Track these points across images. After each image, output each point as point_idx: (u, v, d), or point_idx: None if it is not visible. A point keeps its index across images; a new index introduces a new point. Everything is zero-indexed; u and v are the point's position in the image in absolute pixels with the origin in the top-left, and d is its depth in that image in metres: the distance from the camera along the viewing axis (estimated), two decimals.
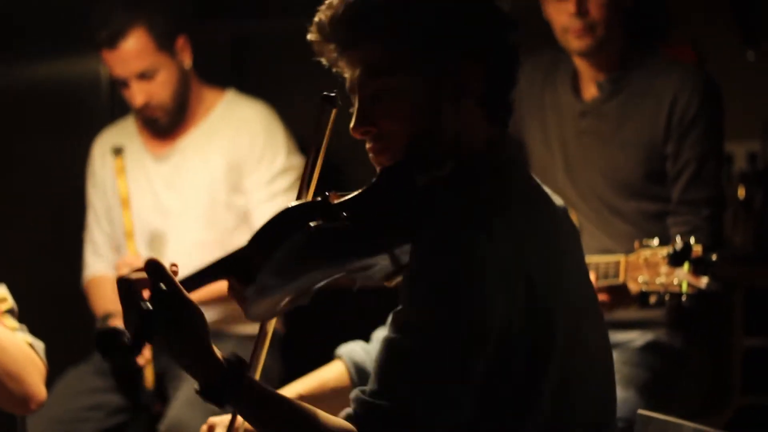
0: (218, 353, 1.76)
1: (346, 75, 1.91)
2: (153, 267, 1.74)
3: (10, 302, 2.45)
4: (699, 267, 2.72)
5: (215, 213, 3.58)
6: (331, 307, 4.32)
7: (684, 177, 3.17)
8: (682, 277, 2.74)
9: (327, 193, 1.88)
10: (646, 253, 2.82)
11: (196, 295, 1.77)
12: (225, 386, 1.74)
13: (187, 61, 3.56)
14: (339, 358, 2.23)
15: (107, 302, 3.60)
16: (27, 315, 2.47)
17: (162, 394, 3.47)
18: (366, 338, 2.34)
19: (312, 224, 1.82)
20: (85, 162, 3.77)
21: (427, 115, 1.87)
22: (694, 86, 3.18)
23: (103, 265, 3.70)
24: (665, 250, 2.77)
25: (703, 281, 2.72)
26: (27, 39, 4.02)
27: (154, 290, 1.72)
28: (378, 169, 1.92)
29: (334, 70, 1.92)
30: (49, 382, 2.47)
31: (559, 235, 1.91)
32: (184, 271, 3.53)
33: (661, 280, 2.76)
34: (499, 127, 1.93)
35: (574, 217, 2.41)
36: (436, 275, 1.76)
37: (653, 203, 3.22)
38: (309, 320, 4.11)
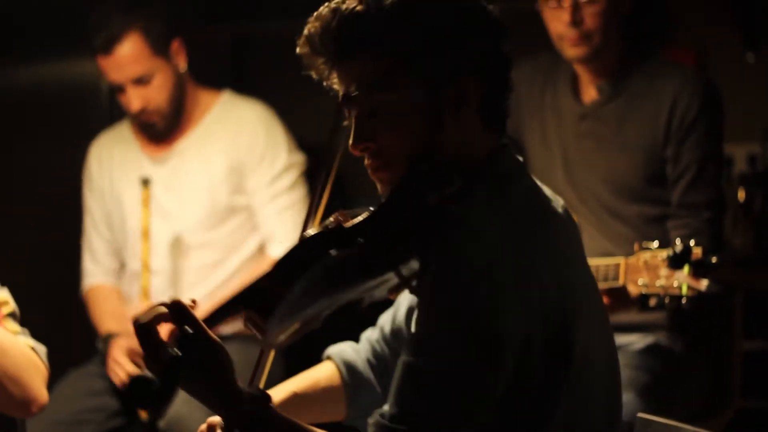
0: (242, 389, 1.77)
1: (338, 88, 1.88)
2: (178, 310, 1.73)
3: (12, 305, 2.44)
4: (699, 270, 2.72)
5: (217, 214, 3.58)
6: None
7: (684, 180, 3.17)
8: (682, 280, 2.74)
9: (340, 219, 1.86)
10: (645, 255, 2.82)
11: None
12: (251, 423, 1.75)
13: (182, 64, 3.55)
14: (329, 358, 2.22)
15: (107, 318, 3.60)
16: (27, 317, 2.47)
17: None
18: (360, 329, 2.34)
19: (330, 254, 1.81)
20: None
21: (427, 129, 1.84)
22: (693, 89, 3.18)
23: (101, 273, 3.69)
24: (665, 253, 2.77)
25: (703, 284, 2.73)
26: (27, 41, 4.01)
27: (181, 334, 1.72)
28: (378, 185, 1.90)
29: (324, 83, 1.89)
30: (50, 384, 2.47)
31: (563, 238, 1.90)
32: (185, 272, 3.54)
33: (661, 282, 2.76)
34: (498, 134, 1.92)
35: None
36: (452, 296, 1.75)
37: (653, 206, 3.22)
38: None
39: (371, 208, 1.88)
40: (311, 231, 1.88)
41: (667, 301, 2.77)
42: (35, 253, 3.99)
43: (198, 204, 3.57)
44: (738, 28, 4.26)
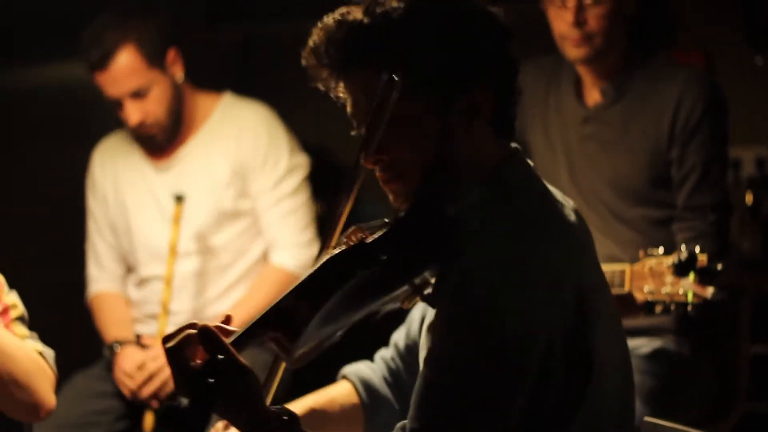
0: (270, 409, 1.77)
1: (344, 100, 1.87)
2: (207, 337, 1.73)
3: (21, 309, 2.45)
4: (704, 277, 2.71)
5: (223, 219, 3.57)
6: None
7: (689, 182, 3.16)
8: (687, 287, 2.73)
9: (360, 234, 1.85)
10: (651, 262, 2.81)
11: None
12: None
13: (179, 74, 3.53)
14: (345, 377, 2.22)
15: (113, 326, 3.60)
16: (33, 319, 2.48)
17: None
18: (372, 348, 2.34)
19: (356, 274, 1.79)
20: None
21: (439, 140, 1.83)
22: (698, 90, 3.17)
23: (106, 279, 3.68)
24: (670, 260, 2.76)
25: (709, 291, 2.71)
26: (28, 43, 4.01)
27: (212, 361, 1.71)
28: (391, 196, 1.89)
29: (331, 94, 1.87)
30: (57, 387, 2.47)
31: (579, 244, 1.89)
32: (196, 277, 3.53)
33: (666, 289, 2.75)
34: (508, 140, 1.92)
35: None
36: (472, 308, 1.75)
37: (658, 209, 3.21)
38: None
39: (386, 220, 1.87)
40: (335, 250, 1.86)
41: (672, 308, 2.76)
42: (39, 256, 3.99)
43: (203, 209, 3.56)
44: (746, 30, 4.25)
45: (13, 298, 2.44)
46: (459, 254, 1.77)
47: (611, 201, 3.23)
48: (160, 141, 3.56)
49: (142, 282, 3.63)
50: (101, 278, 3.68)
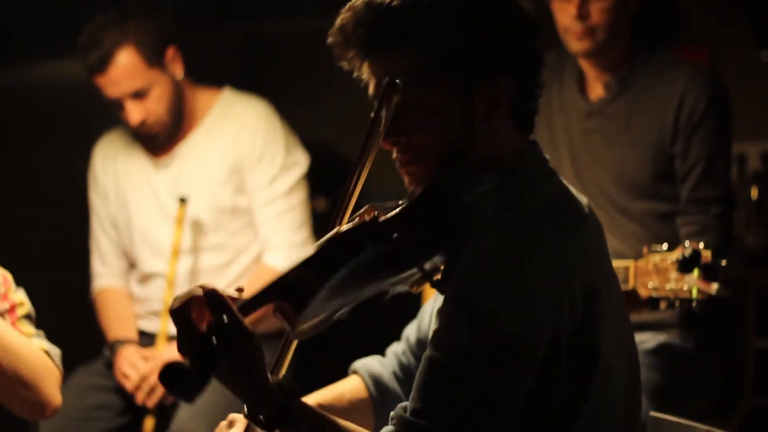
0: (272, 378, 1.77)
1: (369, 81, 1.88)
2: (214, 300, 1.73)
3: (28, 307, 2.45)
4: (709, 273, 2.70)
5: (221, 216, 3.57)
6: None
7: (693, 176, 3.16)
8: (691, 284, 2.72)
9: (375, 214, 1.86)
10: (655, 258, 2.80)
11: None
12: (276, 414, 1.76)
13: (178, 72, 3.52)
14: (355, 372, 2.22)
15: (114, 324, 3.60)
16: (37, 317, 2.49)
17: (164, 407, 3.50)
18: (377, 340, 2.34)
19: (367, 249, 1.80)
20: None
21: (458, 127, 1.84)
22: (702, 84, 3.18)
23: (110, 275, 3.68)
24: (674, 256, 2.76)
25: (713, 287, 2.71)
26: (29, 41, 4.01)
27: (217, 323, 1.71)
28: (406, 179, 1.90)
29: (354, 74, 1.89)
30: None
31: (592, 240, 1.89)
32: (196, 274, 3.53)
33: (671, 286, 2.75)
34: (527, 133, 1.92)
35: None
36: (481, 294, 1.75)
37: (662, 203, 3.21)
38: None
39: (401, 203, 1.88)
40: (347, 225, 1.87)
41: (677, 304, 2.76)
42: (41, 255, 4.00)
43: (202, 206, 3.55)
44: (751, 26, 4.25)
45: (20, 295, 2.45)
46: (469, 241, 1.77)
47: (615, 195, 3.23)
48: (162, 138, 3.56)
49: (144, 278, 3.63)
50: (105, 273, 3.69)
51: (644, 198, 3.21)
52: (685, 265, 2.72)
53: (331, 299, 1.82)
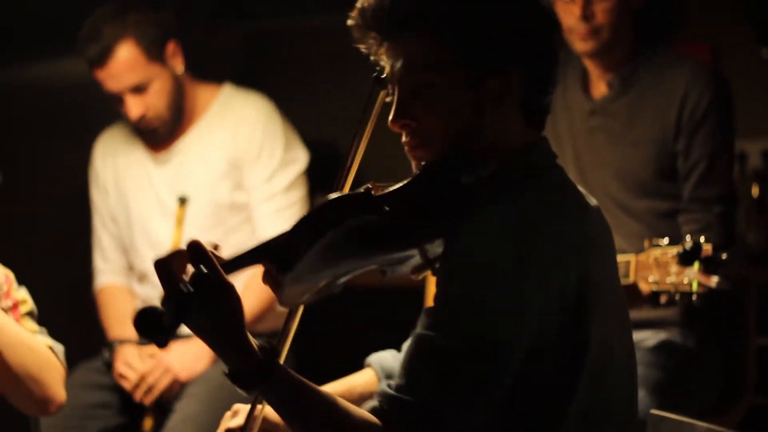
0: (251, 339, 1.77)
1: (385, 64, 1.90)
2: (195, 249, 1.75)
3: (30, 305, 2.46)
4: (709, 266, 2.71)
5: (219, 212, 3.56)
6: (345, 304, 4.36)
7: (695, 174, 3.17)
8: (692, 277, 2.73)
9: (369, 186, 1.88)
10: (656, 252, 2.81)
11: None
12: (255, 373, 1.76)
13: (179, 66, 3.52)
14: (369, 366, 2.23)
15: (114, 323, 3.60)
16: (39, 313, 2.49)
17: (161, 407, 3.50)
18: (380, 336, 2.35)
19: (355, 216, 1.83)
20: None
21: (467, 113, 1.86)
22: (705, 82, 3.18)
23: (111, 271, 3.68)
24: (675, 250, 2.77)
25: (714, 280, 2.72)
26: (30, 40, 4.02)
27: (196, 272, 1.73)
28: (413, 163, 1.91)
29: (372, 57, 1.91)
30: None
31: (595, 236, 1.90)
32: None
33: (671, 279, 2.76)
34: (537, 129, 1.94)
35: None
36: (473, 275, 1.77)
37: (664, 201, 3.22)
38: (323, 317, 4.13)
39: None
40: (338, 193, 1.90)
41: (677, 298, 2.77)
42: (42, 253, 4.00)
43: (201, 201, 3.55)
44: (752, 23, 4.25)
45: (22, 293, 2.46)
46: (465, 224, 1.80)
47: (617, 193, 3.24)
48: (162, 133, 3.56)
49: (143, 277, 3.63)
50: (107, 270, 3.69)
51: (647, 196, 3.22)
52: (685, 258, 2.72)
53: (319, 266, 1.84)
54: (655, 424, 2.24)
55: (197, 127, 3.60)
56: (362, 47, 1.91)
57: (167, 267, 1.74)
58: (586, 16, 3.16)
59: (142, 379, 3.44)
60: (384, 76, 1.93)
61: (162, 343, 1.72)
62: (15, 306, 2.42)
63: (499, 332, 1.75)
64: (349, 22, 1.90)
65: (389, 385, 1.79)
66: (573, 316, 1.80)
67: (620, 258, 2.90)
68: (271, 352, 1.78)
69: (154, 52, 3.46)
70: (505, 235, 1.78)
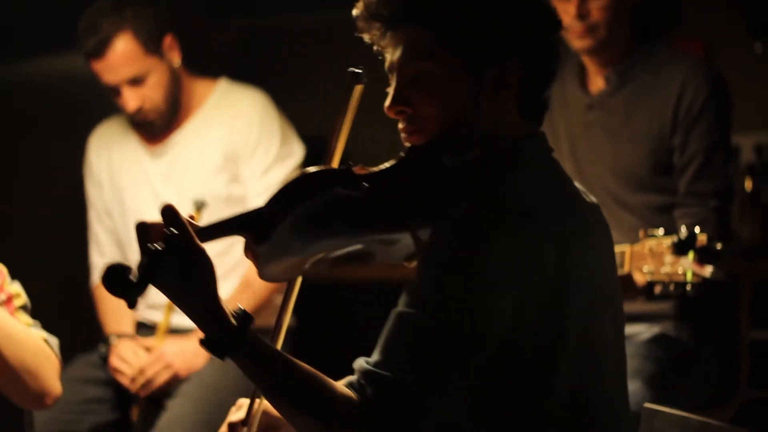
0: (225, 306, 1.78)
1: (387, 55, 1.92)
2: (168, 212, 1.77)
3: (24, 298, 2.46)
4: (704, 256, 2.72)
5: (216, 205, 3.56)
6: (343, 300, 4.36)
7: (691, 169, 3.18)
8: (686, 266, 2.74)
9: (351, 163, 1.90)
10: (651, 242, 2.82)
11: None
12: (228, 338, 1.77)
13: (176, 59, 3.51)
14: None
15: (110, 319, 3.59)
16: (35, 308, 2.49)
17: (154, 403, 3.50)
18: (376, 334, 2.35)
19: (332, 190, 1.85)
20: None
21: (464, 102, 1.88)
22: (701, 78, 3.19)
23: None
24: (670, 240, 2.78)
25: (708, 270, 2.72)
26: (27, 36, 4.01)
27: (167, 233, 1.75)
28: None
29: (375, 48, 1.93)
30: None
31: (587, 231, 1.91)
32: None
33: (666, 269, 2.76)
34: (533, 124, 1.95)
35: None
36: (453, 257, 1.79)
37: (660, 195, 3.22)
38: (321, 313, 4.13)
39: None
40: (318, 167, 1.92)
41: (672, 288, 2.77)
42: (38, 248, 4.00)
43: (197, 195, 3.53)
44: (745, 17, 4.26)
45: (16, 287, 2.46)
46: (447, 207, 1.82)
47: (614, 187, 3.25)
48: (158, 126, 3.56)
49: None
50: (102, 265, 3.67)
51: (642, 190, 3.23)
52: (680, 247, 2.73)
53: (296, 238, 1.86)
54: (648, 418, 2.24)
55: (193, 121, 3.60)
56: (366, 37, 1.93)
57: (145, 229, 1.77)
58: (582, 14, 3.17)
59: (140, 372, 3.44)
60: (359, 70, 1.97)
61: (131, 302, 1.73)
62: (9, 299, 2.42)
63: (474, 312, 1.77)
64: (354, 12, 1.92)
65: (367, 361, 1.81)
66: (551, 304, 1.82)
67: (615, 248, 2.91)
68: (244, 317, 1.79)
69: (152, 45, 3.46)
70: (485, 219, 1.80)
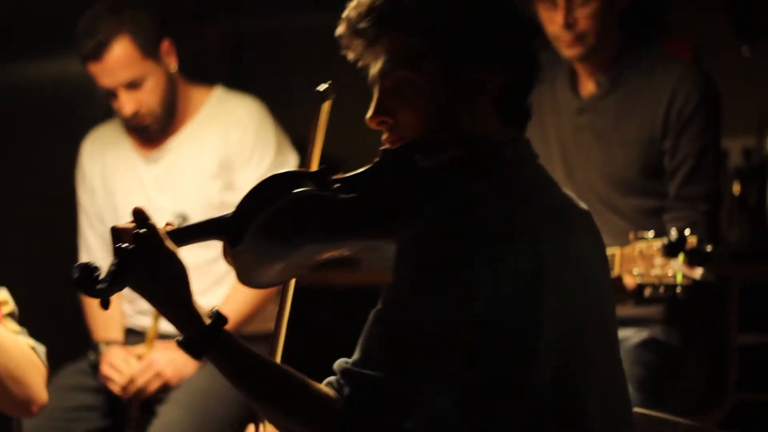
0: (198, 307, 1.82)
1: (371, 69, 1.94)
2: (139, 214, 1.82)
3: (11, 305, 2.45)
4: (694, 258, 2.72)
5: (209, 211, 3.55)
6: (336, 306, 4.35)
7: (681, 173, 3.18)
8: (676, 269, 2.74)
9: (325, 167, 1.93)
10: (641, 245, 2.82)
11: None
12: (201, 338, 1.80)
13: (172, 64, 3.52)
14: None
15: (98, 326, 3.58)
16: (22, 314, 2.49)
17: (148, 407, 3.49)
18: None
19: (302, 190, 1.87)
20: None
21: (444, 110, 1.89)
22: (692, 82, 3.20)
23: None
24: (660, 242, 2.78)
25: (698, 272, 2.73)
26: (21, 40, 4.01)
27: (136, 234, 1.79)
28: None
29: (359, 64, 1.95)
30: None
31: (571, 234, 1.92)
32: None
33: (656, 272, 2.76)
34: (515, 130, 1.95)
35: None
36: (428, 255, 1.80)
37: (650, 199, 3.23)
38: (313, 320, 4.11)
39: None
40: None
41: (662, 290, 2.77)
42: (27, 253, 3.99)
43: (191, 201, 3.54)
44: (733, 20, 4.27)
45: (3, 294, 2.45)
46: (423, 208, 1.84)
47: (604, 191, 3.25)
48: (153, 131, 3.56)
49: None
50: None
51: (633, 194, 3.23)
52: (670, 250, 2.73)
53: (270, 240, 1.87)
54: (637, 422, 2.24)
55: (189, 127, 3.60)
56: (350, 55, 1.95)
57: (118, 233, 1.81)
58: (569, 23, 3.16)
59: (131, 381, 3.43)
60: (325, 86, 2.02)
61: (104, 302, 1.77)
62: None
63: (449, 309, 1.78)
64: (337, 31, 1.94)
65: (347, 361, 1.82)
66: (525, 303, 1.82)
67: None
68: (217, 318, 1.81)
69: (149, 49, 3.46)
70: (458, 219, 1.81)
